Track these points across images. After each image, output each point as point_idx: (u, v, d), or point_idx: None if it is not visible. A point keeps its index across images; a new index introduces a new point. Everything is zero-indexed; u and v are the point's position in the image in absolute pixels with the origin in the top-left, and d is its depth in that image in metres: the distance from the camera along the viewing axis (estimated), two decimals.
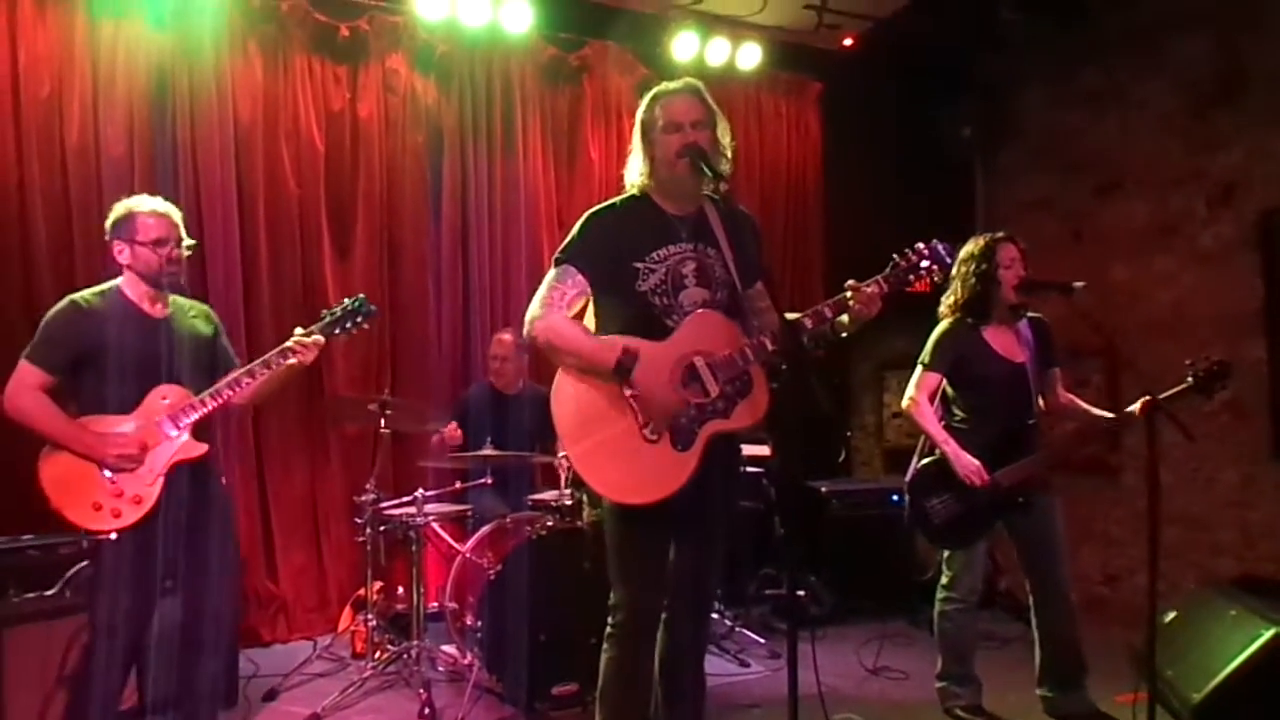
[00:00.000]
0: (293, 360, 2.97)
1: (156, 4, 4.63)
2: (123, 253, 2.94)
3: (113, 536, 2.78)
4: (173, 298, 3.04)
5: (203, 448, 2.93)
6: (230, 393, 2.95)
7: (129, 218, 2.93)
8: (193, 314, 3.12)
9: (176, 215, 3.00)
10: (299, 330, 3.02)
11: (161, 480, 2.85)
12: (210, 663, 2.99)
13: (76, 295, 2.94)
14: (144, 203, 2.97)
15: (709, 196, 2.61)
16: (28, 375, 2.86)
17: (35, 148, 4.39)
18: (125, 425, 2.85)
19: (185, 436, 2.90)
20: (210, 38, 4.79)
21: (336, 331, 3.10)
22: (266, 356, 2.97)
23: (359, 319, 3.11)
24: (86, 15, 4.52)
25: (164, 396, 2.90)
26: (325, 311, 3.13)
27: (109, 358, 2.85)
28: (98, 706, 2.79)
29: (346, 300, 3.15)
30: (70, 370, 2.88)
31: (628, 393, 2.43)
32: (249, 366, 2.98)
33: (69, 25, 4.48)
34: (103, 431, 2.83)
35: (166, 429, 2.87)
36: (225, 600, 3.08)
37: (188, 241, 3.00)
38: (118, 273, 2.99)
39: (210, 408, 2.92)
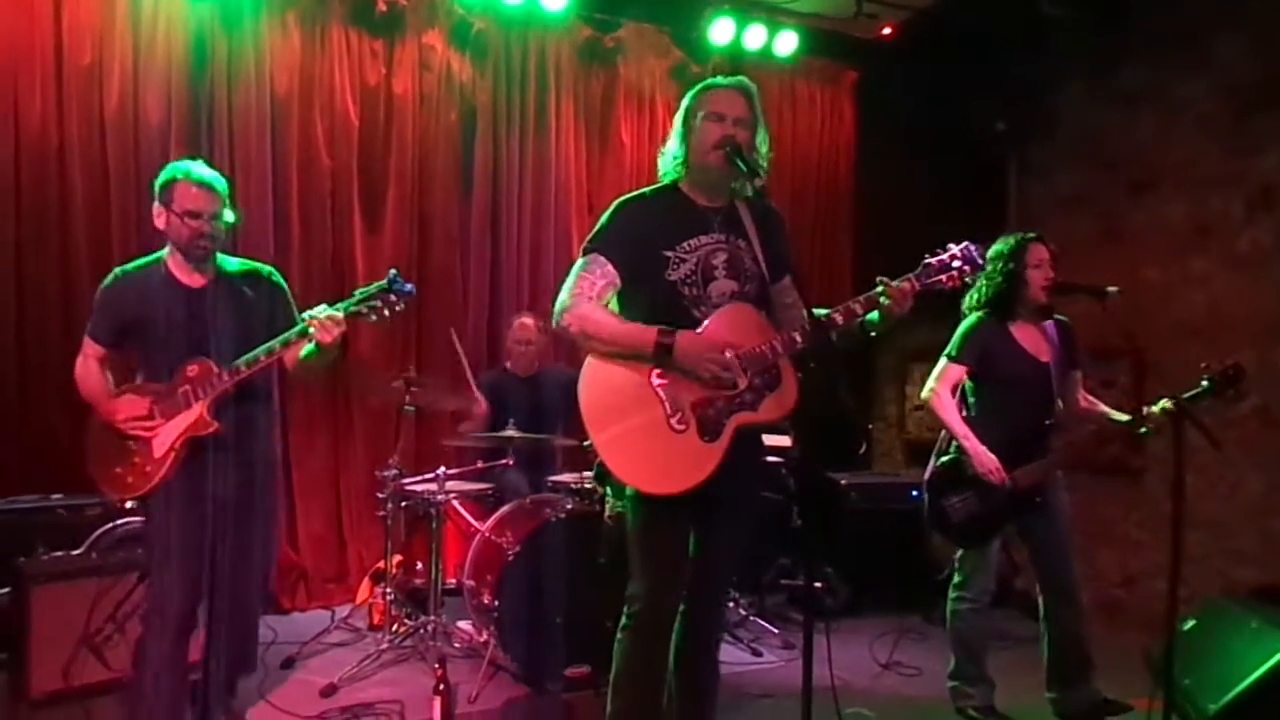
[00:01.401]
0: (311, 337, 2.77)
1: None
2: (160, 217, 2.89)
3: (129, 504, 2.86)
4: (225, 261, 2.99)
5: (213, 426, 2.82)
6: (247, 370, 2.82)
7: (171, 183, 2.87)
8: (243, 279, 3.01)
9: (221, 187, 2.91)
10: (320, 306, 2.81)
11: (172, 455, 2.81)
12: (226, 635, 2.93)
13: (121, 268, 2.97)
14: (190, 170, 2.88)
15: (739, 192, 2.60)
16: (85, 347, 2.96)
17: (75, 114, 4.45)
18: (154, 395, 2.86)
19: (198, 411, 2.81)
20: (249, 9, 4.82)
21: (364, 311, 2.80)
22: (286, 334, 2.82)
23: (392, 299, 2.79)
24: None
25: (192, 369, 2.85)
26: (357, 291, 2.86)
27: (149, 329, 2.87)
28: (155, 677, 2.81)
29: (382, 282, 2.81)
30: (120, 341, 2.94)
31: (657, 382, 2.43)
32: (267, 345, 2.83)
33: None
34: (121, 397, 2.87)
35: (185, 401, 2.83)
36: (248, 585, 3.02)
37: (229, 217, 2.94)
38: (152, 236, 3.00)
39: (230, 383, 2.82)
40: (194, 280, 2.93)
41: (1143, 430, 3.31)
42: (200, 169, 2.90)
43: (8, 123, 4.32)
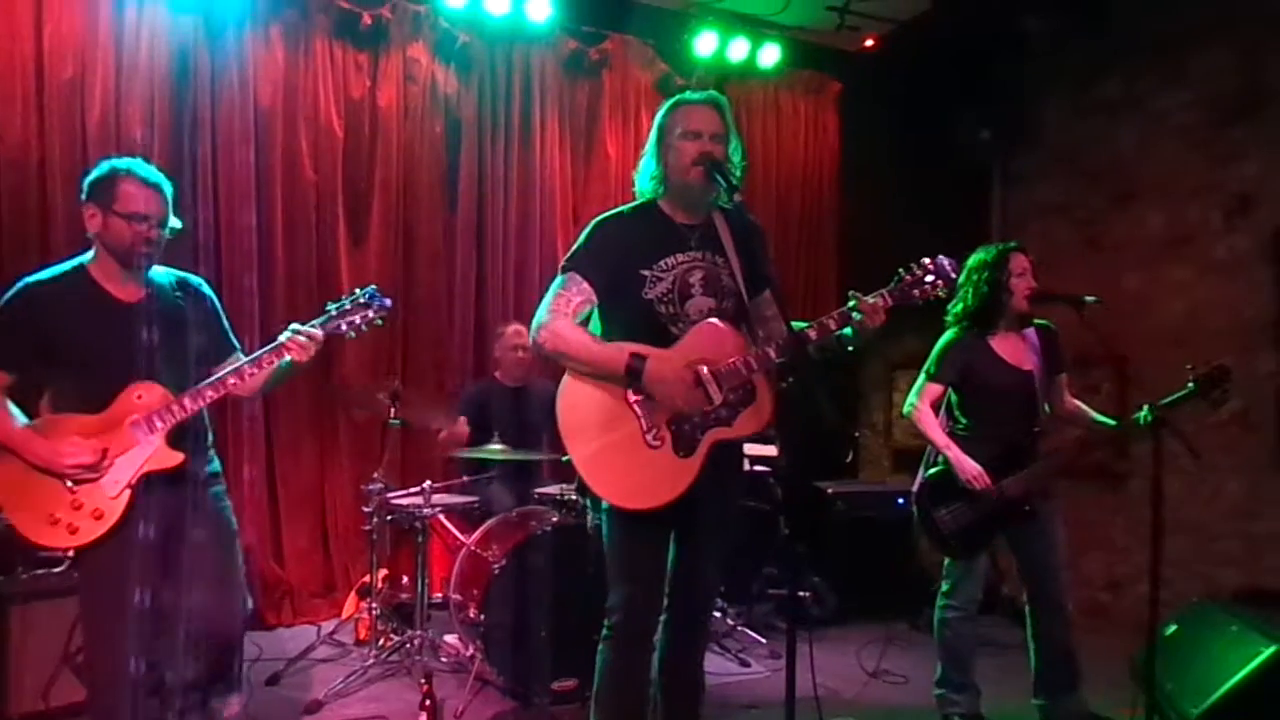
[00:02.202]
0: (287, 358, 2.58)
1: None
2: (94, 219, 2.53)
3: (69, 554, 2.51)
4: (154, 273, 2.64)
5: (178, 457, 2.52)
6: (214, 395, 2.55)
7: (110, 181, 2.53)
8: (178, 292, 2.68)
9: (168, 190, 2.59)
10: (295, 325, 2.62)
11: (128, 493, 2.47)
12: (197, 679, 2.61)
13: (33, 277, 2.55)
14: (133, 168, 2.56)
15: (719, 207, 2.62)
16: None
17: (57, 128, 4.43)
18: (91, 427, 2.49)
19: (158, 443, 2.50)
20: (233, 22, 4.82)
21: (343, 327, 2.64)
22: (257, 354, 2.59)
23: (369, 313, 2.64)
24: None
25: (139, 395, 2.51)
26: (330, 304, 2.68)
27: (74, 350, 2.50)
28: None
29: (357, 291, 2.68)
30: (33, 365, 2.52)
31: (633, 398, 2.46)
32: (237, 366, 2.59)
33: (94, 7, 4.52)
34: (58, 438, 2.46)
35: (138, 433, 2.49)
36: (222, 621, 2.65)
37: (174, 223, 2.61)
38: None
39: (192, 411, 2.53)
40: (126, 293, 2.58)
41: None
42: (146, 168, 2.59)
43: None
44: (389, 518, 4.34)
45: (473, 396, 4.87)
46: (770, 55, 5.96)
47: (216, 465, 2.78)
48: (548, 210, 5.66)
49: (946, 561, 3.54)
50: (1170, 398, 3.18)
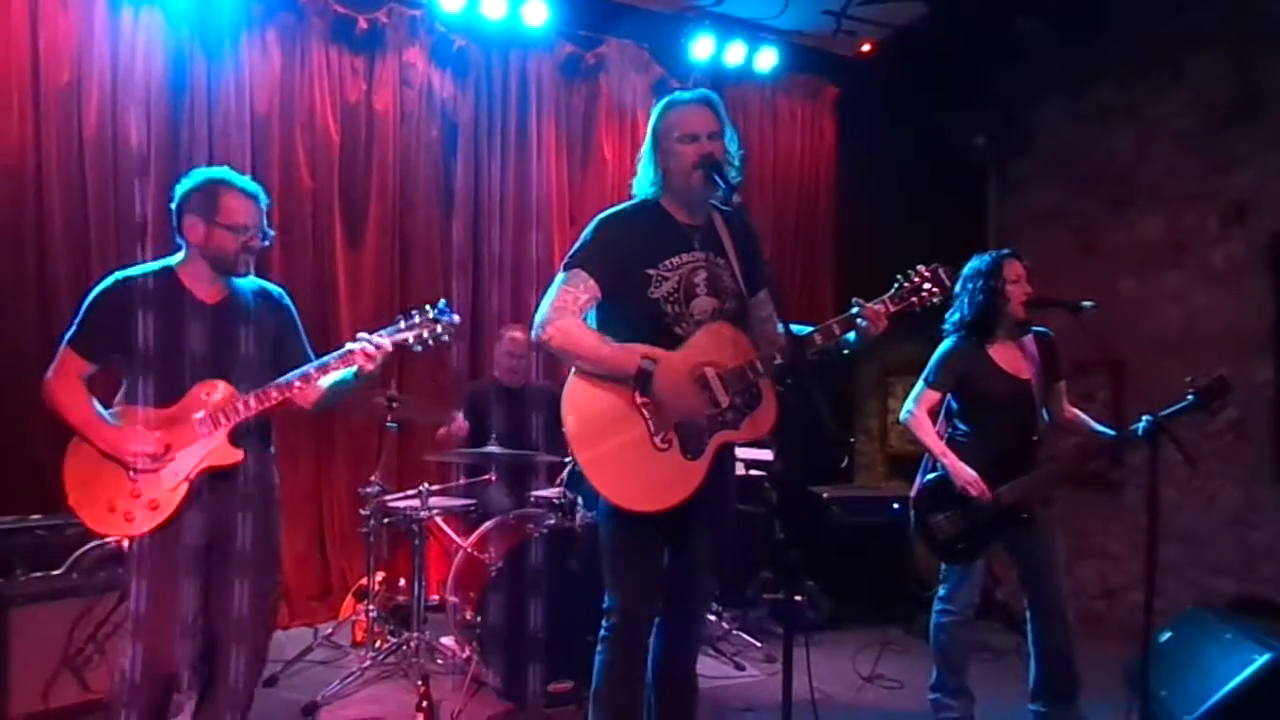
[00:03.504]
0: (353, 367, 2.58)
1: None
2: (196, 229, 2.58)
3: (125, 544, 2.51)
4: (237, 279, 2.69)
5: (237, 455, 2.57)
6: (279, 395, 2.58)
7: (214, 193, 2.59)
8: (258, 299, 2.74)
9: (264, 199, 2.67)
10: (363, 334, 2.61)
11: (185, 486, 2.52)
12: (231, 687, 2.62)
13: (126, 272, 2.62)
14: (235, 178, 2.63)
15: (717, 206, 2.63)
16: (66, 361, 2.59)
17: (54, 134, 4.43)
18: (158, 420, 2.54)
19: (220, 439, 2.55)
20: (229, 27, 4.82)
21: (410, 340, 2.62)
22: (324, 359, 2.61)
23: (438, 328, 2.63)
24: (107, 3, 4.55)
25: (207, 392, 2.56)
26: (401, 315, 2.67)
27: (156, 345, 2.54)
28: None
29: (427, 305, 2.65)
30: (114, 356, 2.60)
31: (640, 400, 2.46)
32: (304, 369, 2.61)
33: (89, 13, 4.52)
34: (127, 426, 2.54)
35: (201, 429, 2.55)
36: (253, 627, 2.65)
37: (270, 233, 2.69)
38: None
39: (255, 410, 2.57)
40: (210, 295, 2.64)
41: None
42: (242, 178, 2.66)
43: None
44: (386, 520, 4.34)
45: (470, 396, 4.88)
46: (767, 59, 5.97)
47: (276, 477, 2.79)
48: (544, 214, 5.66)
49: (943, 566, 3.55)
50: (1170, 409, 3.19)
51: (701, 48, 5.79)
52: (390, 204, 5.29)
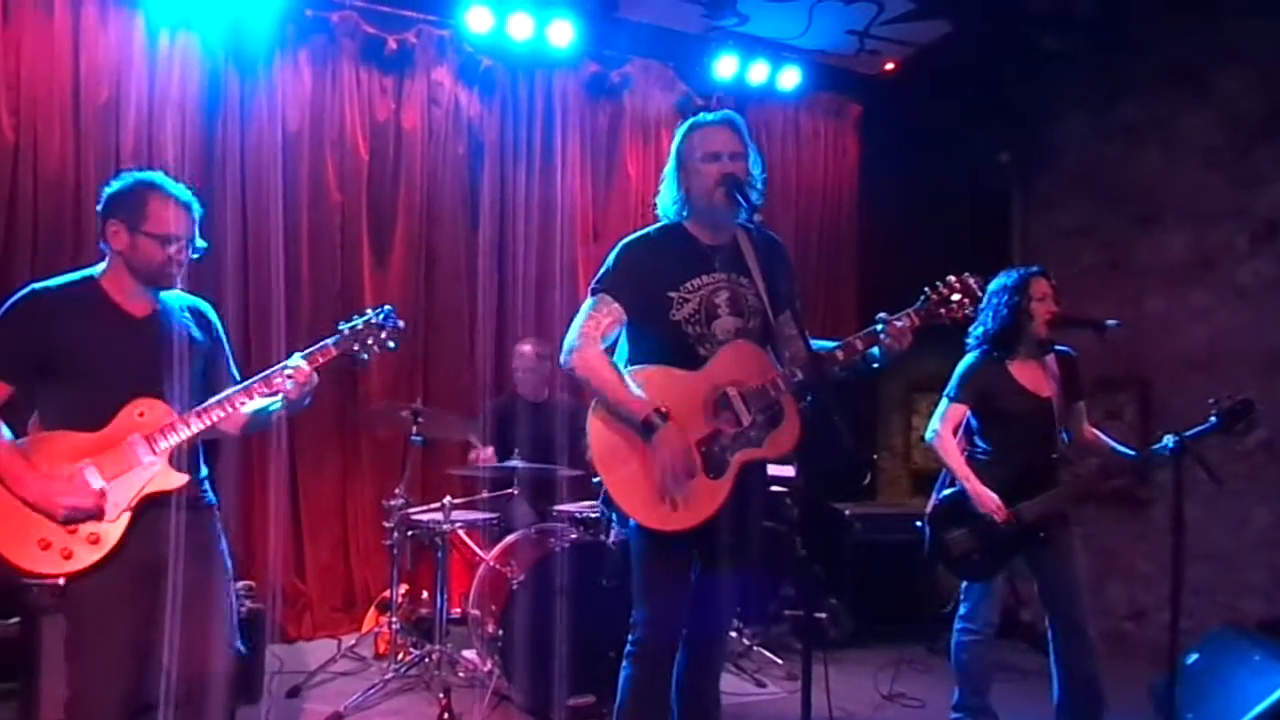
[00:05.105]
0: (288, 386, 2.42)
1: (212, 14, 4.78)
2: (119, 236, 2.38)
3: (60, 583, 2.28)
4: (163, 292, 2.50)
5: (182, 479, 2.37)
6: (221, 414, 2.40)
7: (140, 199, 2.39)
8: (185, 312, 2.54)
9: (196, 209, 2.47)
10: (299, 355, 2.48)
11: (127, 516, 2.30)
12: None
13: (39, 283, 2.40)
14: (160, 183, 2.43)
15: (742, 225, 2.65)
16: None
17: (92, 152, 4.55)
18: (88, 445, 2.32)
19: (161, 464, 2.35)
20: (262, 48, 4.93)
21: (355, 349, 2.52)
22: (267, 372, 2.44)
23: (383, 335, 2.53)
24: (145, 25, 4.68)
25: (140, 412, 2.36)
26: (343, 323, 2.55)
27: (76, 361, 2.34)
28: None
29: (369, 310, 2.56)
30: (33, 375, 2.36)
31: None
32: (246, 384, 2.44)
33: (128, 35, 4.64)
34: (50, 462, 2.29)
35: (140, 453, 2.33)
36: (210, 663, 2.40)
37: (200, 244, 2.48)
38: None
39: (195, 430, 2.38)
40: (136, 307, 2.43)
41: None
42: (174, 184, 2.46)
43: (28, 160, 4.42)
44: (409, 533, 4.38)
45: (494, 410, 4.92)
46: (790, 78, 6.01)
47: (213, 497, 2.58)
48: (568, 231, 5.71)
49: (963, 584, 3.53)
50: (1192, 431, 3.17)
51: (725, 66, 5.84)
52: (417, 220, 5.37)
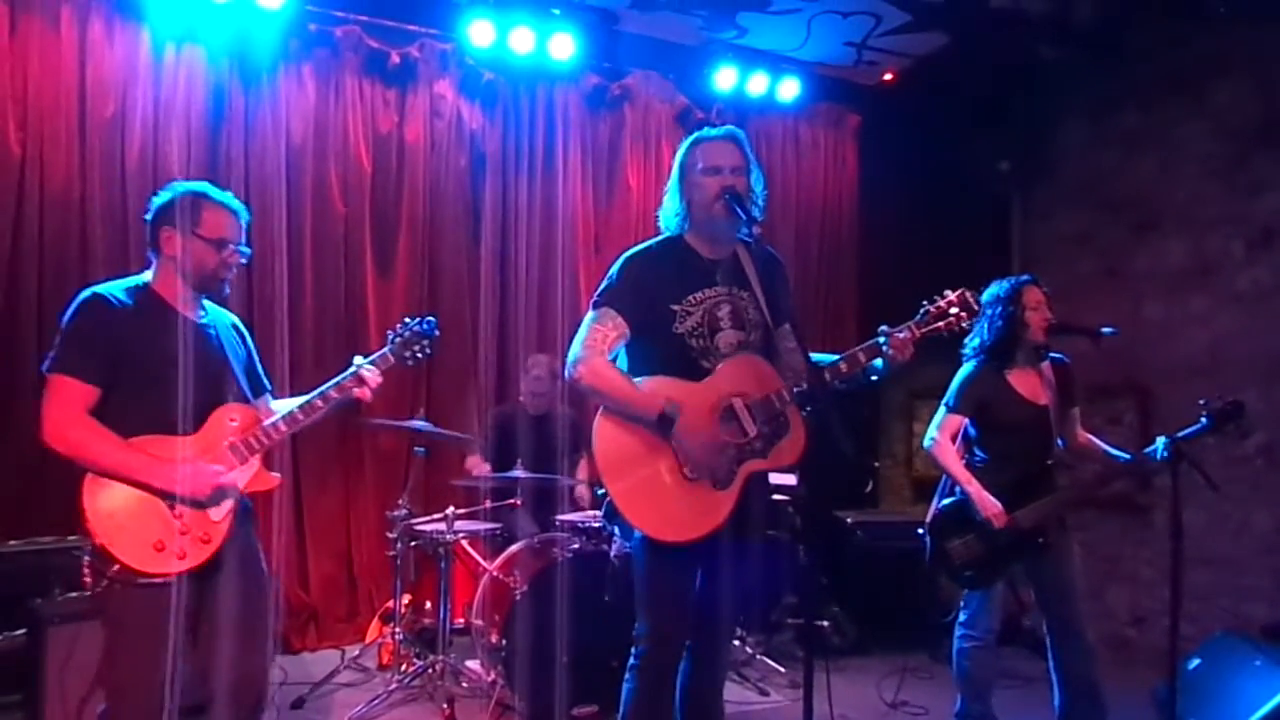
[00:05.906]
0: (358, 390, 2.58)
1: (216, 28, 4.82)
2: (171, 241, 2.43)
3: (100, 589, 2.29)
4: (205, 302, 2.57)
5: (276, 480, 2.53)
6: (303, 418, 2.51)
7: (194, 205, 2.45)
8: (228, 323, 2.65)
9: (245, 216, 2.57)
10: (360, 358, 2.63)
11: (230, 518, 2.41)
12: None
13: (99, 287, 2.42)
14: (211, 192, 2.51)
15: (742, 239, 2.68)
16: (69, 393, 2.29)
17: (98, 164, 4.59)
18: (193, 449, 2.38)
19: (256, 466, 2.48)
20: (266, 61, 4.97)
21: (406, 356, 2.67)
22: (339, 379, 2.57)
23: (425, 343, 2.69)
24: (150, 39, 4.72)
25: (232, 417, 2.46)
26: (391, 332, 2.69)
27: (146, 367, 2.36)
28: None
29: (418, 324, 2.69)
30: (111, 380, 2.34)
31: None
32: (321, 389, 2.55)
33: (134, 49, 4.69)
34: (182, 461, 2.34)
35: (235, 457, 2.44)
36: (265, 640, 2.55)
37: (246, 249, 2.57)
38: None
39: (282, 435, 2.50)
40: (192, 313, 2.50)
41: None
42: (223, 193, 2.56)
43: (35, 173, 4.45)
44: (413, 544, 4.40)
45: (496, 420, 4.94)
46: (790, 89, 6.04)
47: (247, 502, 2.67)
48: (570, 242, 5.74)
49: (964, 591, 3.55)
50: (1184, 432, 3.19)
51: (725, 78, 5.88)
52: (420, 231, 5.40)
